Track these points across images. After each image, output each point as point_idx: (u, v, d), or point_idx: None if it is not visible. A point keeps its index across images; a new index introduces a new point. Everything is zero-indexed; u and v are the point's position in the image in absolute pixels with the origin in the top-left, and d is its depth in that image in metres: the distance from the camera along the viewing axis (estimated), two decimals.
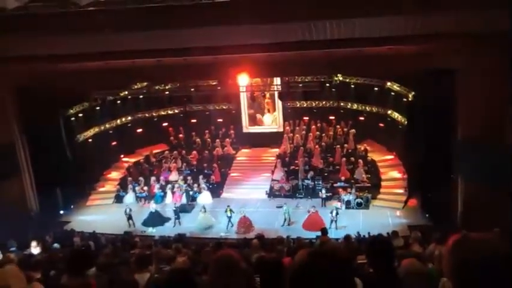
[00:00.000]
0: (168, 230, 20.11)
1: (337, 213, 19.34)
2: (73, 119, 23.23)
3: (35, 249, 13.83)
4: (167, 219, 21.13)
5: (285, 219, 20.03)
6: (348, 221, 19.69)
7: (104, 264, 8.13)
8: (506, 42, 11.36)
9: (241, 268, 2.71)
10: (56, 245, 13.86)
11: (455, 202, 17.27)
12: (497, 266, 1.75)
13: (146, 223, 20.78)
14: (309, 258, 1.79)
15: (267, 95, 26.55)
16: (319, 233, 17.53)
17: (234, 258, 2.72)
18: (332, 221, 19.09)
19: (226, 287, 2.62)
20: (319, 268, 1.71)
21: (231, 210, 19.98)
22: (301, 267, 1.76)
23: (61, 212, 22.28)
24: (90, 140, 24.66)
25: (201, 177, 24.01)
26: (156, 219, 20.93)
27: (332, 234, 17.01)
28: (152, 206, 21.37)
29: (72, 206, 23.02)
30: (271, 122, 27.28)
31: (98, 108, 24.86)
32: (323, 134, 26.29)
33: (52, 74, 18.27)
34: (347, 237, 12.58)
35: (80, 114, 23.82)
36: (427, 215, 19.30)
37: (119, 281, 4.36)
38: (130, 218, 20.70)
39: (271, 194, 23.24)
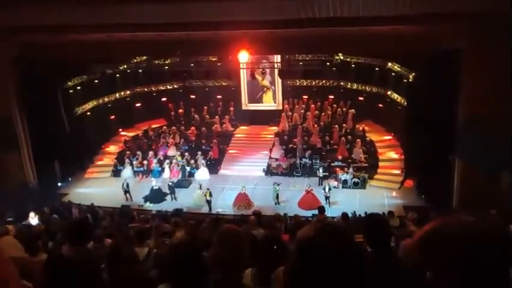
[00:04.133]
0: (165, 205, 20.26)
1: (330, 189, 19.49)
2: (71, 91, 23.08)
3: (33, 220, 13.99)
4: (166, 194, 21.28)
5: (275, 196, 20.17)
6: (345, 200, 19.85)
7: (104, 236, 8.20)
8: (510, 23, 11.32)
9: (246, 242, 2.74)
10: (54, 217, 13.97)
11: (451, 184, 17.38)
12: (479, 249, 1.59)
13: (147, 199, 20.89)
14: (316, 232, 1.78)
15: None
16: (314, 211, 17.82)
17: (238, 232, 2.74)
18: (326, 198, 19.29)
19: (230, 259, 2.64)
20: (328, 241, 1.71)
21: (210, 194, 19.88)
22: (310, 240, 1.75)
23: (59, 184, 22.37)
24: (88, 113, 24.55)
25: (199, 153, 24.04)
26: (157, 195, 21.06)
27: (327, 211, 17.11)
28: (154, 183, 21.43)
29: (70, 179, 23.12)
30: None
31: (97, 81, 24.63)
32: (322, 113, 26.24)
33: (51, 45, 18.06)
34: (344, 216, 12.68)
35: (79, 87, 23.64)
36: (423, 196, 19.47)
37: (120, 254, 4.39)
38: (127, 192, 20.82)
39: (269, 171, 23.30)
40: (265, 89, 27.05)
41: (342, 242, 1.73)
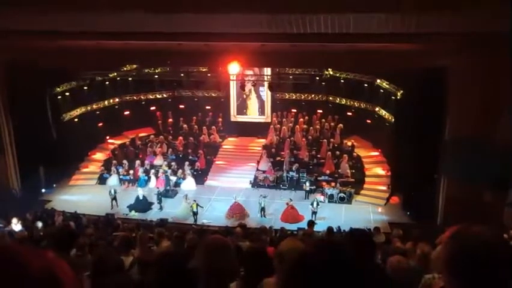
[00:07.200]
0: (150, 214, 20.11)
1: (317, 205, 19.50)
2: (59, 97, 22.95)
3: (15, 226, 13.80)
4: (152, 204, 21.11)
5: (260, 209, 20.14)
6: (331, 215, 19.81)
7: (88, 244, 8.10)
8: (500, 42, 11.50)
9: (232, 252, 2.72)
10: (39, 223, 13.79)
11: (437, 201, 17.50)
12: (496, 258, 1.75)
13: (133, 208, 20.65)
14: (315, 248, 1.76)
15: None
16: (299, 225, 17.87)
17: (225, 243, 2.73)
18: (313, 213, 19.28)
19: (217, 269, 2.62)
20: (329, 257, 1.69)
21: (197, 205, 19.72)
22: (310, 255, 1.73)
23: (43, 190, 22.09)
24: (76, 120, 24.40)
25: (186, 163, 23.93)
26: (143, 204, 20.85)
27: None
28: (140, 192, 21.24)
29: (54, 185, 22.83)
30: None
31: (85, 88, 24.53)
32: (310, 127, 26.35)
33: (41, 51, 17.93)
34: (329, 230, 12.69)
35: (67, 93, 23.54)
36: (408, 213, 19.56)
37: (105, 261, 4.34)
38: (114, 199, 20.64)
39: (256, 184, 23.25)
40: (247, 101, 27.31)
41: (343, 260, 1.71)
